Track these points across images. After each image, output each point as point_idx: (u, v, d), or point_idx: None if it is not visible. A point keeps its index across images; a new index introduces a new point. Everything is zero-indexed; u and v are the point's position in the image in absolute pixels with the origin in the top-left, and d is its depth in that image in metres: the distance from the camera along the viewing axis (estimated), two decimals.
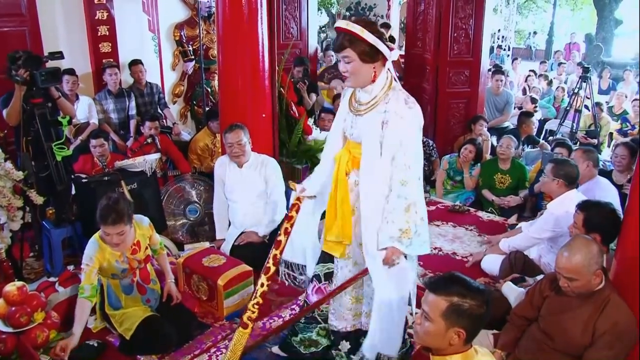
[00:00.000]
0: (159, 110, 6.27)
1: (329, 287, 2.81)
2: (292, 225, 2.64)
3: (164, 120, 6.24)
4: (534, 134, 6.41)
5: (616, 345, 2.36)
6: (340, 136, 2.68)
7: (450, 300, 1.79)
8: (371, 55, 2.38)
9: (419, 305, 2.07)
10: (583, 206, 3.02)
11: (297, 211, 2.66)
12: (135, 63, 6.04)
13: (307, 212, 2.73)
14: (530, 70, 10.77)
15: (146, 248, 3.20)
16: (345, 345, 2.81)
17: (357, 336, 2.79)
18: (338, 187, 2.58)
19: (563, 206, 3.45)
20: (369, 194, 2.45)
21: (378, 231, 2.43)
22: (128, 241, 3.06)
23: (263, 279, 2.57)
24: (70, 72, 5.30)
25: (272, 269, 2.59)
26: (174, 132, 6.26)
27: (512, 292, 3.15)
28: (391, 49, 2.42)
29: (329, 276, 2.82)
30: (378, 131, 2.41)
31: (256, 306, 2.54)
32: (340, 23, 2.39)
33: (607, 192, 3.94)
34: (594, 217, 2.92)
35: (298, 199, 2.68)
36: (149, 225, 3.24)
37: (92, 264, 2.96)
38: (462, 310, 1.78)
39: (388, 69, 2.48)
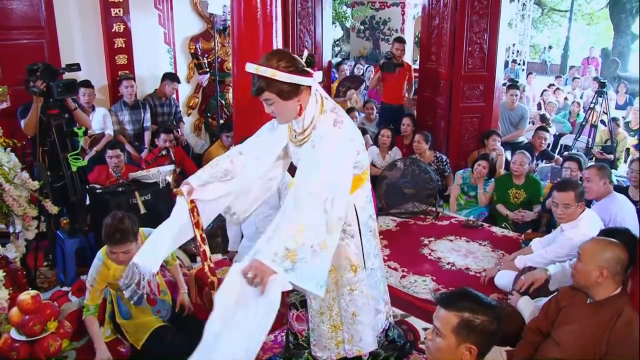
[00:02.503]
0: (174, 123, 6.34)
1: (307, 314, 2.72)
2: (203, 230, 2.52)
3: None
4: (544, 148, 6.36)
5: (630, 357, 2.32)
6: (275, 159, 2.61)
7: (461, 316, 1.77)
8: (292, 91, 2.27)
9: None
10: (603, 235, 3.00)
11: (198, 214, 2.51)
12: (171, 79, 6.14)
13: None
14: (549, 85, 10.71)
15: None
16: None
17: None
18: None
19: (580, 229, 3.44)
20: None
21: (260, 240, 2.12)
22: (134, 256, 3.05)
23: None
24: (87, 84, 5.37)
25: (216, 280, 2.48)
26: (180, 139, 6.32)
27: (528, 307, 3.11)
28: (310, 75, 2.30)
29: (304, 303, 2.73)
30: (309, 156, 2.30)
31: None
32: (250, 67, 2.25)
33: (624, 209, 3.89)
34: None
35: (191, 201, 2.50)
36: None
37: (96, 285, 2.99)
38: (473, 326, 1.76)
39: (315, 91, 2.37)
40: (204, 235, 2.51)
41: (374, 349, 2.66)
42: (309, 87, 2.34)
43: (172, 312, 3.28)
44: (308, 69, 2.31)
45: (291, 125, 2.48)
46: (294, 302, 2.79)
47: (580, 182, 4.51)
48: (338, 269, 2.52)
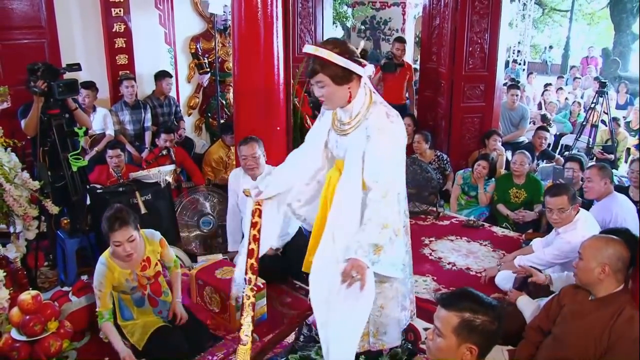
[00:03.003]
0: (175, 122, 6.33)
1: None
2: (259, 231, 2.59)
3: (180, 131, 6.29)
4: (544, 148, 6.36)
5: (630, 355, 2.32)
6: (321, 151, 2.64)
7: (461, 316, 1.77)
8: (344, 77, 2.34)
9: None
10: None
11: (259, 216, 2.61)
12: (163, 76, 6.12)
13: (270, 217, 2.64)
14: (545, 85, 10.71)
15: (156, 264, 3.18)
16: None
17: (367, 357, 2.70)
18: (327, 206, 2.53)
19: (577, 232, 3.44)
20: (342, 207, 2.41)
21: (348, 241, 2.31)
22: (138, 257, 3.05)
23: (247, 291, 2.51)
24: (89, 85, 5.37)
25: (253, 278, 2.53)
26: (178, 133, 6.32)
27: (528, 306, 3.11)
28: (363, 65, 2.38)
29: None
30: (362, 147, 2.37)
31: (249, 320, 2.50)
32: (308, 48, 2.35)
33: (624, 209, 3.90)
34: None
35: (258, 203, 2.62)
36: (160, 240, 3.22)
37: (104, 290, 2.98)
38: (473, 326, 1.76)
39: (365, 84, 2.44)
40: (258, 236, 2.59)
41: (398, 344, 2.67)
42: (360, 77, 2.40)
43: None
44: (362, 60, 2.39)
45: (335, 114, 2.54)
46: None
47: (572, 185, 4.53)
48: None
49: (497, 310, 1.81)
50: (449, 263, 4.39)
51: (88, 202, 3.98)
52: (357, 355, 2.74)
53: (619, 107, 10.01)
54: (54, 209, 3.61)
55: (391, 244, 2.31)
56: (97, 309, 3.02)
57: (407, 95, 7.40)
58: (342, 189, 2.44)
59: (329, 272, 2.34)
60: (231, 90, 6.48)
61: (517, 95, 7.13)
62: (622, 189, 4.50)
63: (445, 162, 5.96)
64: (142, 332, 3.06)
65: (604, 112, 6.93)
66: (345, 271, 2.21)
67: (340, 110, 2.50)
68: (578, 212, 3.60)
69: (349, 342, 2.35)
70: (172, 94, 6.44)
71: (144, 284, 3.11)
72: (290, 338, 3.30)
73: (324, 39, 7.37)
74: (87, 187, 4.06)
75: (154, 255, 3.15)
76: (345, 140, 2.47)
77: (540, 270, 3.45)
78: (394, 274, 2.41)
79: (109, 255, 3.02)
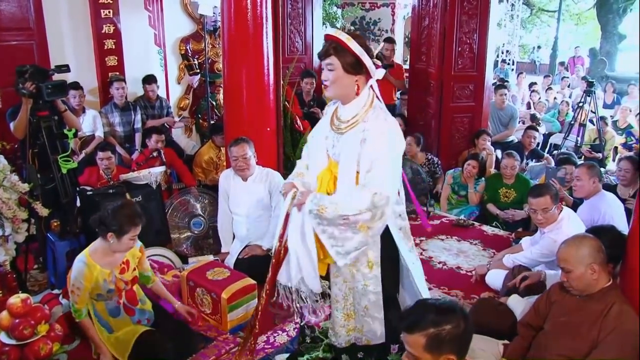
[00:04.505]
0: (166, 124, 6.32)
1: (325, 305, 2.76)
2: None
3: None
4: (533, 147, 6.41)
5: (622, 348, 2.35)
6: (324, 153, 2.62)
7: (427, 334, 1.77)
8: (355, 67, 2.37)
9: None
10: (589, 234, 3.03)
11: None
12: (149, 81, 6.10)
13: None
14: (531, 84, 10.80)
15: (134, 269, 3.14)
16: (346, 358, 2.79)
17: (354, 350, 2.75)
18: None
19: (561, 230, 3.48)
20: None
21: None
22: (118, 259, 3.03)
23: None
24: (76, 86, 5.34)
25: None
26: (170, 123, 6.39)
27: (519, 304, 3.14)
28: (377, 67, 2.41)
29: (324, 295, 2.75)
30: (357, 149, 2.37)
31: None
32: (329, 30, 2.42)
33: (612, 207, 3.94)
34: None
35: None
36: (140, 247, 3.19)
37: (83, 288, 2.90)
38: (441, 338, 1.77)
39: (371, 86, 2.46)
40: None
41: (381, 341, 2.68)
42: (369, 77, 2.42)
43: (155, 318, 3.23)
44: (376, 60, 2.42)
45: (337, 112, 2.54)
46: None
47: (564, 184, 4.57)
48: (356, 262, 2.54)
49: (457, 311, 1.81)
50: (439, 262, 4.41)
51: (78, 204, 3.96)
52: (346, 348, 2.76)
53: (606, 106, 10.11)
54: (43, 212, 3.59)
55: (343, 222, 2.31)
56: (74, 306, 2.93)
57: (397, 95, 7.43)
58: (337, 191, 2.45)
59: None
60: (221, 91, 6.47)
61: (505, 95, 7.18)
62: (610, 188, 4.55)
63: (436, 165, 5.98)
64: (124, 344, 2.98)
65: (591, 111, 6.99)
66: (300, 190, 2.46)
67: (341, 108, 2.51)
68: (562, 210, 3.63)
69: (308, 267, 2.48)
70: (162, 95, 6.42)
71: (120, 288, 3.04)
72: (283, 339, 3.31)
73: (314, 40, 7.40)
74: (77, 189, 4.04)
75: (132, 260, 3.12)
76: (342, 139, 2.47)
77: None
78: (332, 253, 2.37)
79: (89, 254, 2.96)
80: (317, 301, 2.69)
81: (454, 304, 1.88)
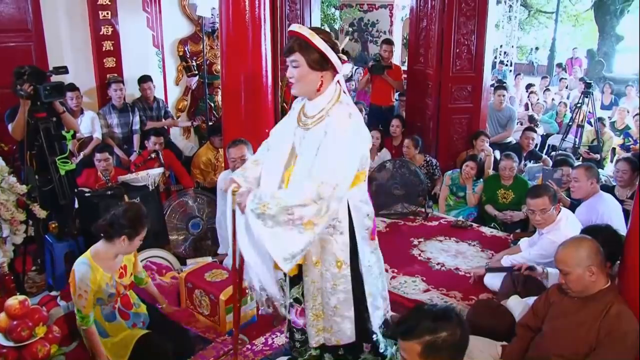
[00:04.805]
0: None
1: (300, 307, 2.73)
2: None
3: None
4: (531, 149, 6.42)
5: (620, 349, 2.36)
6: (288, 149, 2.58)
7: (422, 341, 1.77)
8: (320, 63, 2.34)
9: None
10: (584, 234, 3.04)
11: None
12: (144, 80, 6.09)
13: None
14: (528, 85, 10.82)
15: (131, 274, 3.14)
16: (329, 357, 2.78)
17: (347, 349, 2.72)
18: None
19: (560, 231, 3.48)
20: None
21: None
22: (117, 263, 3.02)
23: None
24: (72, 87, 5.33)
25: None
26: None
27: (518, 306, 3.14)
28: (343, 62, 2.38)
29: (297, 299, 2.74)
30: (318, 144, 2.33)
31: None
32: (293, 27, 2.35)
33: (610, 208, 3.94)
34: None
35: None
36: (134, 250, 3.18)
37: (89, 289, 2.85)
38: (437, 346, 1.76)
39: (337, 81, 2.42)
40: None
41: (351, 341, 2.67)
42: (335, 72, 2.39)
43: (151, 321, 3.20)
44: (343, 56, 2.38)
45: (304, 108, 2.51)
46: (296, 296, 2.77)
47: (562, 186, 4.57)
48: (324, 262, 2.53)
49: (453, 318, 1.81)
50: (438, 263, 4.41)
51: (76, 205, 3.96)
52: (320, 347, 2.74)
53: (604, 107, 10.14)
54: (41, 213, 3.59)
55: (287, 222, 2.22)
56: (81, 312, 2.88)
57: (395, 97, 7.44)
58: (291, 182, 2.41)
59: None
60: (219, 92, 6.48)
61: (504, 96, 7.18)
62: (608, 189, 4.55)
63: (434, 167, 5.99)
64: (123, 349, 2.96)
65: (589, 112, 7.00)
66: (240, 190, 2.41)
67: (308, 104, 2.48)
68: (560, 211, 3.63)
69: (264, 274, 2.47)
70: (160, 96, 6.42)
71: (120, 292, 3.03)
72: (281, 341, 3.31)
73: None
74: (75, 190, 4.04)
75: (129, 264, 3.11)
76: (307, 134, 2.45)
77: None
78: (275, 257, 2.27)
79: (91, 257, 2.93)
80: (285, 307, 2.66)
81: (450, 310, 1.88)
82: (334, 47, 2.34)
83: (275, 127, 2.74)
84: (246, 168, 2.69)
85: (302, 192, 2.22)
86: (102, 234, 2.94)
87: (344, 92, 2.46)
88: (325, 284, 2.56)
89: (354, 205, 2.53)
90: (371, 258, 2.65)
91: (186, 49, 6.76)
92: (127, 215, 2.90)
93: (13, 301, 2.87)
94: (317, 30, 2.35)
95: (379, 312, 2.74)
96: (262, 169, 2.64)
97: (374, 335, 2.71)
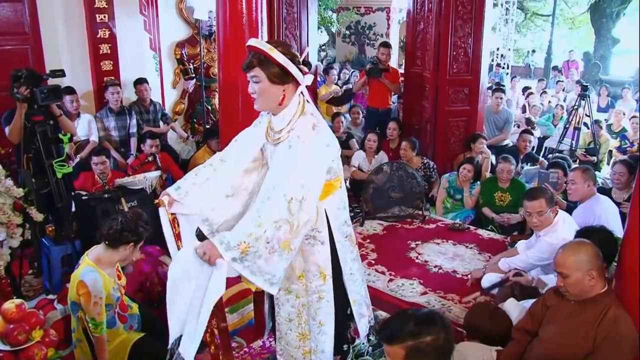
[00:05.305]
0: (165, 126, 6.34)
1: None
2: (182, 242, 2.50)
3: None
4: (528, 151, 6.43)
5: (617, 353, 2.36)
6: (253, 154, 2.56)
7: (405, 346, 1.76)
8: (280, 77, 2.28)
9: None
10: (579, 236, 3.06)
11: (179, 225, 2.51)
12: (140, 82, 6.09)
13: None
14: (524, 88, 10.85)
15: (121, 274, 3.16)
16: None
17: None
18: None
19: (557, 233, 3.49)
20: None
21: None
22: (115, 267, 3.04)
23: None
24: (70, 91, 5.33)
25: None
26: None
27: (515, 309, 3.14)
28: (304, 73, 2.33)
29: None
30: (285, 157, 2.28)
31: None
32: (251, 41, 2.30)
33: (607, 210, 3.94)
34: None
35: (172, 213, 2.49)
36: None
37: (104, 297, 2.87)
38: (421, 350, 1.75)
39: (301, 93, 2.37)
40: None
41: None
42: (297, 84, 2.34)
43: (141, 321, 3.21)
44: (303, 67, 2.34)
45: (270, 123, 2.47)
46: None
47: (557, 188, 4.58)
48: (307, 274, 2.49)
49: (437, 322, 1.79)
50: (435, 266, 4.41)
51: (73, 209, 3.95)
52: None
53: (600, 110, 10.17)
54: (38, 216, 3.58)
55: (270, 251, 2.08)
56: (95, 320, 2.86)
57: (393, 99, 7.45)
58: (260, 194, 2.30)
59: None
60: (217, 95, 6.48)
61: (501, 99, 7.19)
62: (605, 191, 4.56)
63: (431, 169, 5.98)
64: (120, 352, 2.96)
65: (585, 115, 7.02)
66: (197, 248, 2.09)
67: (273, 118, 2.43)
68: (557, 214, 3.64)
69: (191, 336, 2.21)
70: (158, 99, 6.42)
71: (122, 294, 3.06)
72: None
73: (309, 44, 7.42)
74: (72, 193, 4.03)
75: (118, 264, 3.13)
76: (276, 149, 2.41)
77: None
78: (263, 286, 2.11)
79: (94, 263, 2.94)
80: None
81: (434, 314, 1.86)
82: (294, 60, 2.30)
83: (246, 129, 2.69)
84: (186, 179, 2.58)
85: (271, 214, 2.11)
86: (107, 241, 2.93)
87: (308, 101, 2.41)
88: (311, 296, 2.51)
89: (333, 213, 2.49)
90: (353, 266, 2.62)
91: (183, 52, 6.77)
92: (140, 223, 2.93)
93: (10, 305, 2.86)
94: (275, 43, 2.30)
95: (364, 319, 2.72)
96: (212, 181, 2.54)
97: (345, 346, 2.68)
